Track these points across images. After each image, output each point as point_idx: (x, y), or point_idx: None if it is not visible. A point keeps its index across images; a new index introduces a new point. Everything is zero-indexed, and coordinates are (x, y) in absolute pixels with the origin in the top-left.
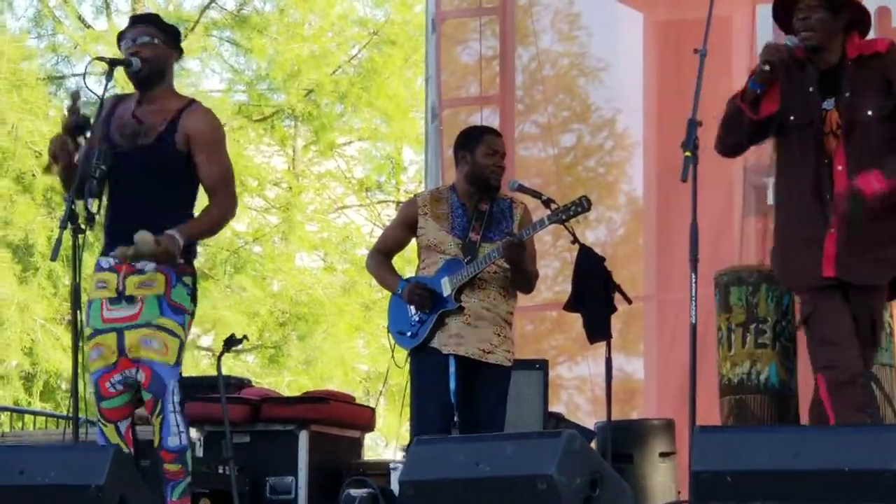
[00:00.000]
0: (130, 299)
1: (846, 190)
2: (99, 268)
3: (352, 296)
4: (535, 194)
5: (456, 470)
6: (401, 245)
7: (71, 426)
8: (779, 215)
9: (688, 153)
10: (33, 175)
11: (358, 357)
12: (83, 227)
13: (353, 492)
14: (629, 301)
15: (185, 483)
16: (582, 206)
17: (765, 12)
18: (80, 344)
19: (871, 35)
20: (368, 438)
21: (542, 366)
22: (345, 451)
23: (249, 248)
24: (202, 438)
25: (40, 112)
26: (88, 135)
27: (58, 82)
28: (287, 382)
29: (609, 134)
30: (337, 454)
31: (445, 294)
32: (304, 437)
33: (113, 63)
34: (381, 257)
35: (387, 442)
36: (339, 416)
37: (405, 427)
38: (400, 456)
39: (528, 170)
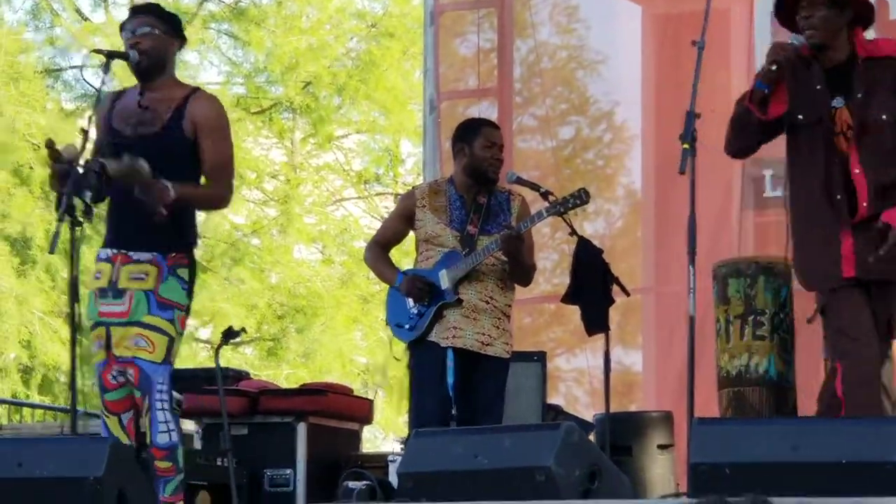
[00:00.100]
0: (120, 293)
1: (868, 202)
2: (98, 258)
3: (350, 288)
4: (534, 187)
5: (454, 462)
6: (399, 238)
7: (69, 419)
8: (790, 215)
9: (686, 145)
10: (31, 168)
11: (356, 349)
12: (81, 219)
13: (352, 484)
14: (627, 293)
15: (177, 480)
16: (580, 198)
17: (763, 5)
18: (78, 336)
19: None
20: (367, 431)
21: (540, 358)
22: (343, 444)
23: (248, 240)
24: (200, 430)
25: (38, 105)
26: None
27: (55, 75)
28: (285, 375)
29: (607, 126)
30: (335, 446)
31: (444, 287)
32: (302, 430)
33: (111, 55)
34: (379, 250)
35: (385, 434)
36: (337, 409)
37: (403, 419)
38: (398, 448)
39: (526, 162)
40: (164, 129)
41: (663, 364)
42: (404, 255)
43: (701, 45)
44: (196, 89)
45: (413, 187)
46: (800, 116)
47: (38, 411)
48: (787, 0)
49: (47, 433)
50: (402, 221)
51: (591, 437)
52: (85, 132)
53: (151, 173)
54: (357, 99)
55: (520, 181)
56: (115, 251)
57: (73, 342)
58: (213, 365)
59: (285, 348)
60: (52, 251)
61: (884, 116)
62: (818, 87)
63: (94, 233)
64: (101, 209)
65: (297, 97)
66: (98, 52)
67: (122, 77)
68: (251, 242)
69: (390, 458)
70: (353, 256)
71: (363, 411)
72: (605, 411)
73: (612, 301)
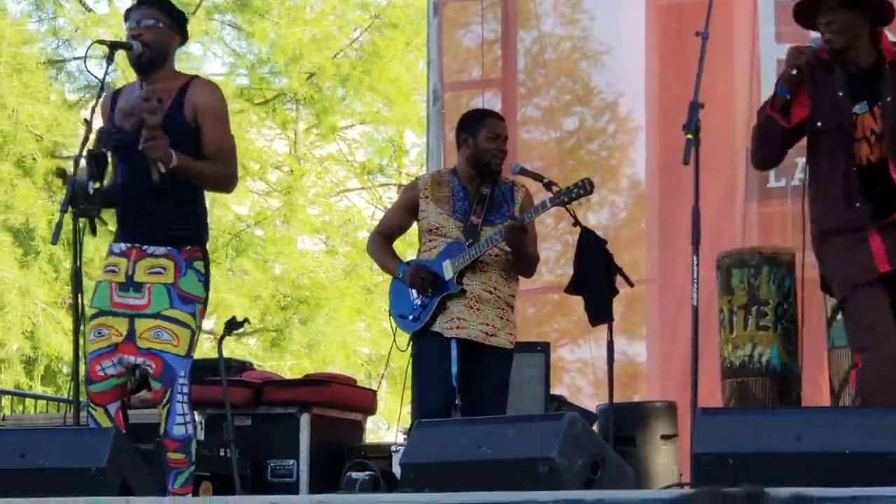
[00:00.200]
0: (138, 287)
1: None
2: (111, 252)
3: (353, 279)
4: (537, 177)
5: (458, 453)
6: (402, 228)
7: (72, 409)
8: (812, 218)
9: (689, 136)
10: (34, 159)
11: (359, 340)
12: (84, 208)
13: (355, 474)
14: (631, 284)
15: (188, 472)
16: (584, 188)
17: None
18: (81, 327)
19: None
20: (370, 421)
21: (543, 348)
22: (346, 434)
23: (251, 231)
24: (203, 421)
25: (41, 96)
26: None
27: (58, 66)
28: (289, 366)
29: (611, 117)
30: (338, 437)
31: (447, 277)
32: (305, 420)
33: (114, 46)
34: (383, 240)
35: (388, 425)
36: (340, 399)
37: (407, 410)
38: (401, 439)
39: (530, 153)
40: (166, 118)
41: (667, 354)
42: (408, 246)
43: (705, 36)
44: (194, 77)
45: (416, 178)
46: (819, 123)
47: (41, 402)
48: (805, 4)
49: (50, 424)
50: (405, 212)
51: (595, 428)
52: (88, 122)
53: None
54: (360, 90)
55: (523, 172)
56: (128, 245)
57: (77, 333)
58: (216, 356)
59: (289, 339)
60: (54, 242)
61: None
62: (839, 93)
63: (99, 223)
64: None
65: (301, 88)
66: (101, 42)
67: (125, 67)
68: (254, 233)
69: (394, 448)
70: (356, 247)
71: (366, 402)
72: (609, 402)
73: (615, 292)
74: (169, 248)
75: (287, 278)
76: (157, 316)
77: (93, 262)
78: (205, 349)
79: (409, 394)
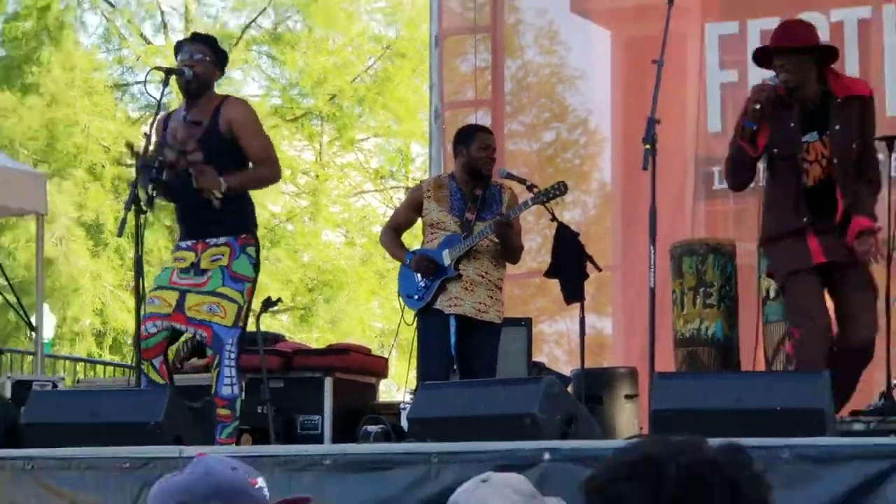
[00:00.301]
0: (202, 272)
1: (844, 219)
2: (178, 248)
3: (369, 266)
4: (521, 181)
5: (456, 409)
6: (409, 223)
7: (134, 374)
8: (765, 223)
9: (648, 146)
10: (102, 167)
11: (374, 317)
12: (144, 208)
13: (370, 428)
14: (599, 269)
15: (232, 426)
16: (559, 189)
17: (711, 29)
18: (142, 307)
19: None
20: (382, 384)
21: (526, 323)
22: (362, 395)
23: (283, 226)
24: (244, 385)
25: (108, 114)
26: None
27: (123, 89)
28: (315, 338)
29: (583, 131)
30: (356, 397)
31: (446, 264)
32: (328, 383)
33: (169, 72)
34: (393, 233)
35: (397, 387)
36: (357, 366)
37: (412, 374)
38: (408, 398)
39: (515, 161)
40: (205, 133)
41: (629, 328)
42: (414, 238)
43: (660, 63)
44: (227, 97)
45: (421, 181)
46: (775, 150)
47: (109, 368)
48: (763, 51)
49: (116, 386)
50: (411, 210)
51: (569, 389)
52: (147, 136)
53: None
54: (374, 108)
55: (510, 176)
56: (193, 241)
57: (138, 310)
58: (255, 329)
59: (315, 316)
60: (120, 235)
61: (854, 146)
62: (792, 124)
63: (155, 219)
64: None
65: (325, 107)
66: (158, 69)
67: (177, 90)
68: (286, 228)
69: (402, 406)
70: (371, 239)
71: (380, 367)
72: (581, 367)
73: (586, 276)
74: (227, 237)
75: (313, 265)
76: (210, 293)
77: (151, 252)
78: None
79: (414, 361)
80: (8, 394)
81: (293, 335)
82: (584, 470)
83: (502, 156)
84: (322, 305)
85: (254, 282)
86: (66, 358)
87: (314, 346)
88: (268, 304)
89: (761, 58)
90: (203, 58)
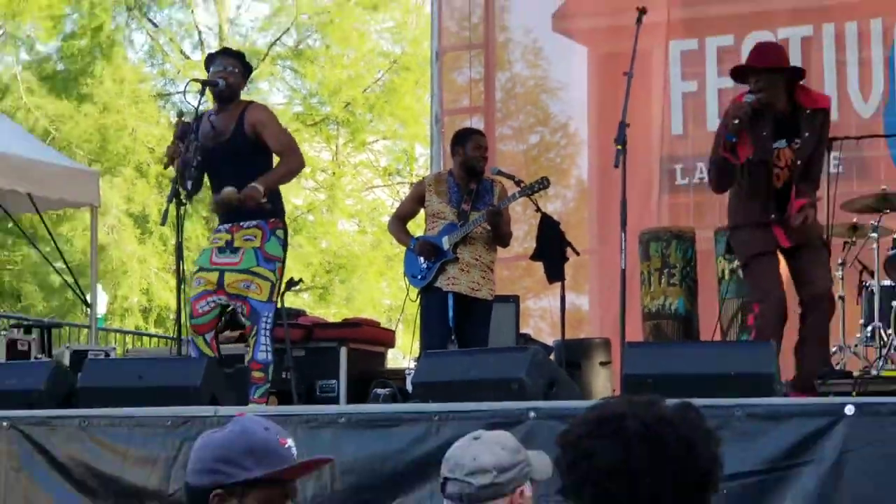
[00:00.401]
0: (235, 250)
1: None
2: (216, 231)
3: (378, 251)
4: (510, 177)
5: (454, 374)
6: (413, 213)
7: (176, 345)
8: (734, 211)
9: (619, 147)
10: (148, 165)
11: (383, 294)
12: (184, 201)
13: (379, 391)
14: (577, 253)
15: (265, 388)
16: (543, 184)
17: (674, 46)
18: (182, 286)
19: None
20: (390, 353)
21: (515, 300)
22: (373, 362)
23: (304, 216)
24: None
25: (152, 119)
26: (191, 138)
27: (165, 98)
28: (332, 313)
29: (563, 134)
30: (367, 364)
31: (445, 248)
32: (343, 352)
33: (205, 84)
34: (399, 222)
35: (403, 355)
36: (369, 337)
37: (416, 344)
38: (413, 365)
39: (504, 160)
40: (232, 135)
41: (603, 304)
42: (417, 227)
43: (630, 75)
44: (250, 102)
45: (423, 177)
46: (750, 156)
47: (154, 339)
48: (739, 67)
49: (160, 355)
50: (415, 202)
51: (552, 357)
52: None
53: (237, 191)
54: (383, 115)
55: (500, 173)
56: (229, 225)
57: (179, 290)
58: (279, 306)
59: (332, 294)
60: (163, 224)
61: (815, 152)
62: (765, 133)
63: (194, 210)
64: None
65: (340, 114)
66: (196, 81)
67: (210, 98)
68: (307, 218)
69: (407, 372)
70: (380, 228)
71: (388, 338)
72: (561, 338)
73: (566, 259)
74: (259, 220)
75: (330, 250)
76: (246, 271)
77: (190, 239)
78: None
79: (418, 332)
80: (67, 362)
81: (313, 311)
82: (565, 426)
83: (494, 155)
84: (338, 285)
85: (283, 261)
86: (116, 331)
87: (331, 320)
88: (291, 283)
89: (739, 74)
90: (234, 70)
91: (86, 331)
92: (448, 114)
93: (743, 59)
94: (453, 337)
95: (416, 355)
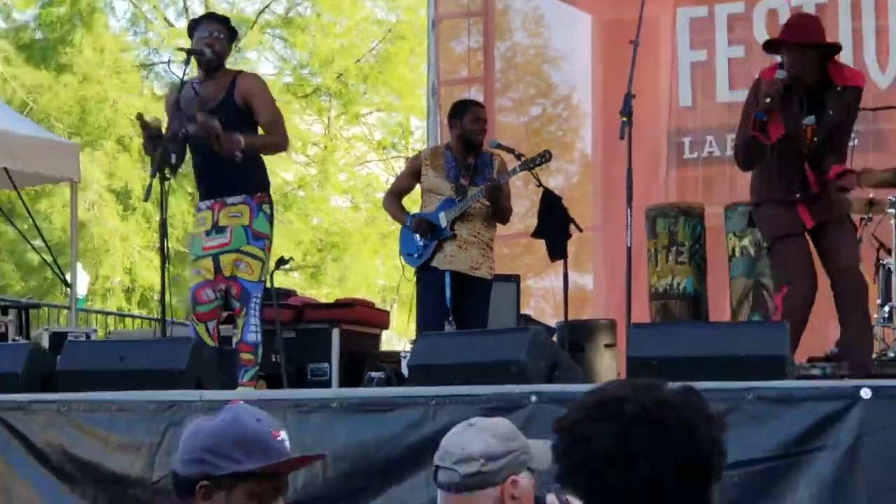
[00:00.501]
0: (222, 229)
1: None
2: (198, 209)
3: (372, 228)
4: (509, 150)
5: (451, 357)
6: (409, 189)
7: (160, 326)
8: (757, 187)
9: (624, 119)
10: (130, 138)
11: (377, 274)
12: (168, 175)
13: (373, 374)
14: (581, 230)
15: (254, 370)
16: (544, 157)
17: (682, 13)
18: (167, 264)
19: None
20: (384, 334)
21: (515, 279)
22: (366, 344)
23: (295, 192)
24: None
25: (135, 91)
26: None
27: (149, 68)
28: (324, 293)
29: (566, 106)
30: (361, 346)
31: (442, 225)
32: (335, 334)
33: (190, 52)
34: (394, 198)
35: (398, 337)
36: (362, 318)
37: (412, 325)
38: (408, 347)
39: (504, 133)
40: (220, 104)
41: (608, 283)
42: (413, 203)
43: (636, 44)
44: (240, 71)
45: (419, 151)
46: (781, 136)
47: (137, 321)
48: (772, 41)
49: (144, 337)
50: (411, 177)
51: (554, 339)
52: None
53: (222, 127)
54: (377, 86)
55: (499, 146)
56: (211, 201)
57: (163, 269)
58: (268, 285)
59: (323, 273)
60: (146, 200)
61: (841, 130)
62: (795, 109)
63: (178, 186)
64: (187, 169)
65: (332, 84)
66: (181, 50)
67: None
68: (297, 194)
69: (402, 354)
70: (375, 204)
71: (382, 319)
72: (564, 319)
73: (569, 236)
74: (244, 195)
75: (322, 227)
76: (237, 251)
77: (174, 216)
78: None
79: (414, 313)
80: (46, 344)
81: (304, 290)
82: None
83: (493, 128)
84: (330, 264)
85: (270, 238)
86: (98, 312)
87: (323, 300)
88: (281, 262)
89: (772, 46)
90: (220, 36)
91: (65, 312)
92: (445, 85)
93: (753, 27)
94: (451, 318)
95: (412, 337)
